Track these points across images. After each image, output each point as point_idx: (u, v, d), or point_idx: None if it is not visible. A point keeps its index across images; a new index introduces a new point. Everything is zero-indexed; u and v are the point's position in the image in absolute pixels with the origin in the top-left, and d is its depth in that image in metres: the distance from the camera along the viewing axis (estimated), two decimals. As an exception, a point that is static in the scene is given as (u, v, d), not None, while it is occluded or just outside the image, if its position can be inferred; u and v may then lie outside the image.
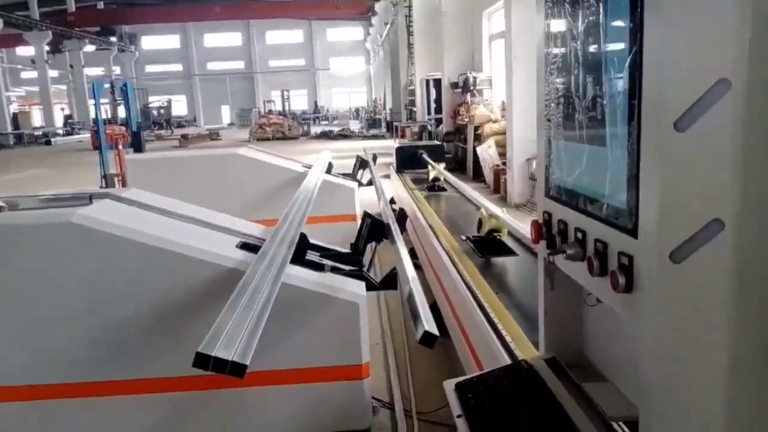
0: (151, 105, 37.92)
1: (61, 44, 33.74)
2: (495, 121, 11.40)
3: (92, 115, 23.36)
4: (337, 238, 3.37)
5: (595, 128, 1.30)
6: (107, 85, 16.67)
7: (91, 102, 17.37)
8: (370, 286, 2.71)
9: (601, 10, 1.24)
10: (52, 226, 2.34)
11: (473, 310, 2.69)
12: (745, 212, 0.89)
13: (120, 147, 10.55)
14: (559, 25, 1.47)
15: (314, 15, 39.79)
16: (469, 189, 5.56)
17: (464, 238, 3.93)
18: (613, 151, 1.20)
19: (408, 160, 7.58)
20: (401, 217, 3.43)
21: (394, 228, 3.12)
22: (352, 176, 6.33)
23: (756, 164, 0.88)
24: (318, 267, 2.70)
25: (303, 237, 2.74)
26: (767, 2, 0.84)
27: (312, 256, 2.82)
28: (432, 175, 6.50)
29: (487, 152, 10.62)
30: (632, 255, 1.12)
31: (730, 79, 0.87)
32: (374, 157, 6.72)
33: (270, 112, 33.86)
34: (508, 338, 2.33)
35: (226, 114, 46.19)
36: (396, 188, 7.20)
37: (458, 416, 1.58)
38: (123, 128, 16.26)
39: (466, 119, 12.30)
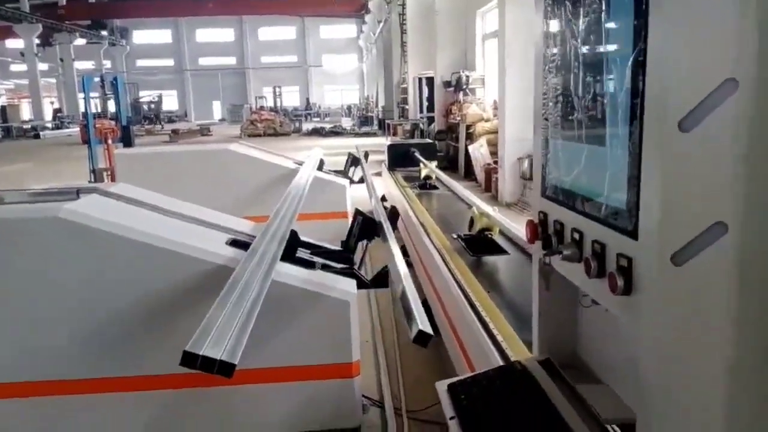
0: (141, 99, 37.69)
1: (52, 37, 33.43)
2: (487, 120, 11.42)
3: (82, 109, 23.17)
4: (328, 236, 3.35)
5: (594, 127, 1.28)
6: (97, 79, 16.50)
7: (81, 96, 17.20)
8: (361, 284, 2.69)
9: (603, 9, 1.21)
10: (39, 221, 2.30)
11: (464, 308, 2.67)
12: (750, 215, 0.87)
13: (109, 141, 10.47)
14: (558, 24, 1.44)
15: (308, 12, 39.68)
16: (460, 187, 5.56)
17: (455, 236, 3.93)
18: (613, 151, 1.18)
19: (400, 158, 7.58)
20: (393, 215, 3.41)
21: (386, 226, 3.10)
22: (343, 173, 6.31)
23: (762, 167, 0.86)
24: (309, 264, 2.68)
25: (294, 234, 2.71)
26: None
27: (303, 253, 2.80)
28: (424, 173, 6.49)
29: (479, 151, 10.63)
30: (631, 257, 1.10)
31: (737, 79, 0.85)
32: (366, 155, 6.70)
33: (262, 108, 33.74)
34: (499, 337, 2.32)
35: (217, 110, 46.00)
36: (387, 186, 7.18)
37: (451, 418, 1.56)
38: (113, 122, 16.14)
39: (459, 118, 12.31)
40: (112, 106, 17.11)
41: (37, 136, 28.89)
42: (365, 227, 3.11)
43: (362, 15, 34.01)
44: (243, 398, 2.47)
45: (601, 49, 1.24)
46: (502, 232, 3.80)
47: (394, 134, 16.11)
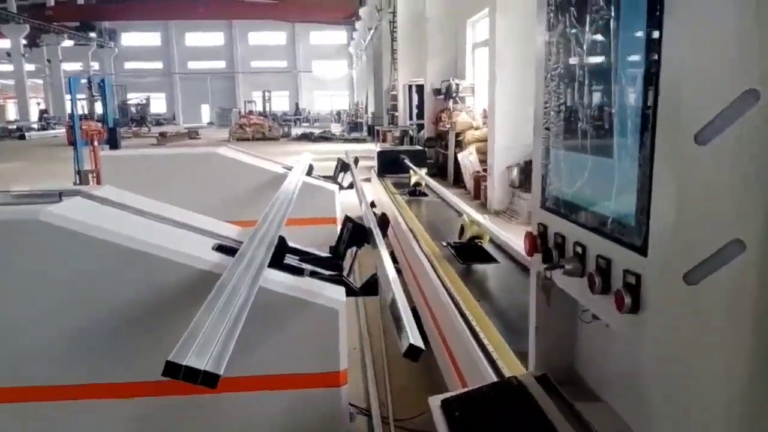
0: (129, 102, 37.41)
1: (39, 38, 33.16)
2: (476, 128, 11.47)
3: (69, 110, 22.95)
4: (316, 241, 3.31)
5: (601, 138, 1.23)
6: (84, 81, 16.33)
7: (68, 97, 17.01)
8: (350, 292, 2.65)
9: (612, 15, 1.16)
10: (19, 223, 2.24)
11: (454, 318, 2.65)
12: None
13: (95, 143, 10.35)
14: (562, 32, 1.40)
15: (298, 18, 39.67)
16: (450, 195, 5.54)
17: (445, 243, 3.90)
18: (622, 163, 1.13)
19: (389, 165, 7.57)
20: (383, 222, 3.37)
21: (377, 233, 3.06)
22: (333, 179, 6.27)
23: None
24: (297, 271, 2.63)
25: (282, 240, 2.67)
26: None
27: (291, 259, 2.76)
28: (414, 180, 6.47)
29: (468, 159, 10.66)
30: (640, 274, 1.05)
31: (759, 90, 0.80)
32: (356, 161, 6.67)
33: (250, 112, 33.66)
34: (489, 347, 2.29)
35: (205, 113, 45.84)
36: (377, 192, 7.16)
37: (444, 436, 1.51)
38: (99, 124, 15.97)
39: (448, 125, 12.34)
40: (99, 108, 16.89)
41: (22, 137, 28.55)
42: (355, 234, 3.07)
43: (353, 22, 34.06)
44: (228, 406, 2.42)
45: (610, 57, 1.19)
46: (492, 241, 3.78)
47: (384, 140, 16.14)
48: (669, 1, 0.96)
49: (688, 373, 0.97)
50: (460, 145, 11.51)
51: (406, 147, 11.56)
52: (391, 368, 3.70)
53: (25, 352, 2.31)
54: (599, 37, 1.23)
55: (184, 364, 1.48)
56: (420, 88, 15.16)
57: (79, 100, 14.49)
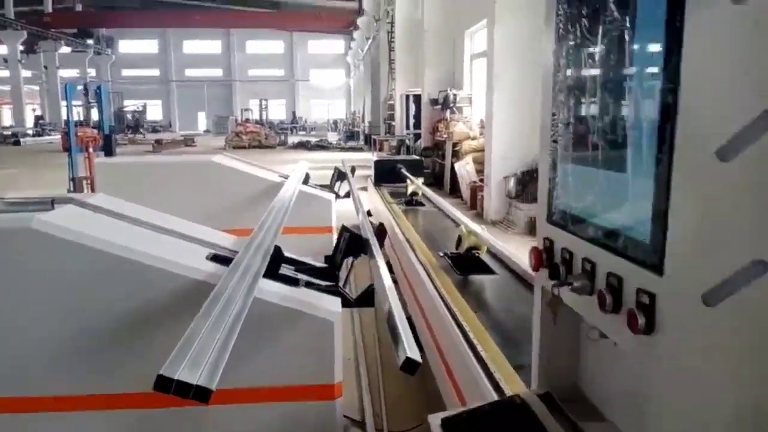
0: (126, 109, 37.38)
1: (36, 45, 33.20)
2: (473, 139, 11.50)
3: (65, 116, 22.93)
4: (312, 251, 3.28)
5: (613, 152, 1.18)
6: (80, 87, 16.30)
7: (64, 103, 16.98)
8: (346, 303, 2.62)
9: (627, 24, 1.12)
10: (11, 231, 2.21)
11: (451, 329, 2.61)
12: None
13: (90, 150, 10.29)
14: (573, 42, 1.35)
15: (296, 27, 39.82)
16: (447, 204, 5.52)
17: (442, 254, 3.87)
18: (635, 178, 1.08)
19: (386, 174, 7.57)
20: (380, 232, 3.34)
21: (373, 243, 3.03)
22: (329, 188, 6.24)
23: None
24: (292, 281, 2.60)
25: (278, 250, 2.64)
26: None
27: (286, 269, 2.72)
28: (410, 189, 6.46)
29: (465, 168, 10.67)
30: (655, 293, 1.01)
31: None
32: (353, 170, 6.65)
33: (247, 120, 33.66)
34: (487, 360, 2.26)
35: (202, 121, 45.83)
36: (373, 201, 7.14)
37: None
38: (95, 131, 15.93)
39: (445, 135, 12.36)
40: (95, 115, 16.85)
41: (17, 143, 28.52)
42: (351, 244, 3.04)
43: (351, 32, 34.23)
44: (221, 419, 2.38)
45: (623, 69, 1.15)
46: (489, 251, 3.75)
47: (380, 150, 16.17)
48: (690, 15, 0.93)
49: (702, 399, 0.93)
50: (456, 155, 11.53)
51: (402, 156, 11.57)
52: (385, 378, 3.67)
53: (15, 361, 2.27)
54: (612, 49, 1.19)
55: (175, 378, 1.44)
56: (417, 98, 15.20)
57: (75, 106, 14.47)
